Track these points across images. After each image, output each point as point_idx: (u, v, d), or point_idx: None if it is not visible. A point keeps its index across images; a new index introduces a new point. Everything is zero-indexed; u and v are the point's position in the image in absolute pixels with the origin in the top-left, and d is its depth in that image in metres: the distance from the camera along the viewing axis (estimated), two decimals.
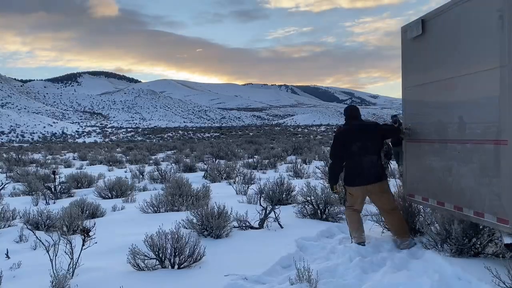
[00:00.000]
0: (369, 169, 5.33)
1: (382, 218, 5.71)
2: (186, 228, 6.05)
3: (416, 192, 5.41)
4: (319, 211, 6.91)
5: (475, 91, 4.26)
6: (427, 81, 5.12)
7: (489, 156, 4.04)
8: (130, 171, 17.22)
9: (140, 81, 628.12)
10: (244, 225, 6.39)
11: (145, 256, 4.64)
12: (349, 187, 5.49)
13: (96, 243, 4.70)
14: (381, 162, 5.48)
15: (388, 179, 5.62)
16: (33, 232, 5.35)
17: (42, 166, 22.02)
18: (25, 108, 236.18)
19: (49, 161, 26.45)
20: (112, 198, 10.55)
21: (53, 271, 4.26)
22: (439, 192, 4.87)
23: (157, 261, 4.67)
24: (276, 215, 6.46)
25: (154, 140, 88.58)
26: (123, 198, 10.08)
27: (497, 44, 3.90)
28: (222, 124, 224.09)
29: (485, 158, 4.10)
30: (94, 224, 5.70)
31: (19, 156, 25.77)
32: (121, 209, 8.78)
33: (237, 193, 9.79)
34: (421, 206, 5.56)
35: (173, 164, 19.92)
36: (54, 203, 10.05)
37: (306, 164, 18.38)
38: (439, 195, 4.88)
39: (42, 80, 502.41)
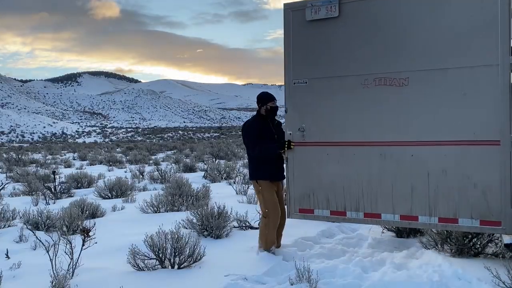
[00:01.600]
0: (248, 164, 5.30)
1: None
2: (186, 228, 6.06)
3: (318, 207, 4.74)
4: None
5: (453, 88, 4.02)
6: (349, 74, 4.47)
7: (477, 158, 3.93)
8: (130, 171, 17.21)
9: (140, 81, 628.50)
10: (244, 225, 6.39)
11: (145, 256, 4.64)
12: None
13: (96, 243, 4.70)
14: (259, 160, 5.07)
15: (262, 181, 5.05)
16: (33, 232, 5.36)
17: (42, 166, 22.01)
18: (25, 108, 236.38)
19: (49, 161, 26.43)
20: (112, 198, 10.54)
21: (53, 271, 4.27)
22: (371, 202, 4.44)
23: (157, 261, 4.67)
24: None
25: (154, 140, 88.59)
26: (123, 198, 10.08)
27: (489, 41, 3.82)
28: (222, 124, 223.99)
29: (470, 160, 3.96)
30: (94, 224, 5.71)
31: (19, 156, 25.73)
32: (121, 209, 8.78)
33: (237, 193, 9.78)
34: None
35: (173, 164, 19.91)
36: (54, 203, 10.05)
37: None
38: (369, 206, 4.45)
39: (42, 80, 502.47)
